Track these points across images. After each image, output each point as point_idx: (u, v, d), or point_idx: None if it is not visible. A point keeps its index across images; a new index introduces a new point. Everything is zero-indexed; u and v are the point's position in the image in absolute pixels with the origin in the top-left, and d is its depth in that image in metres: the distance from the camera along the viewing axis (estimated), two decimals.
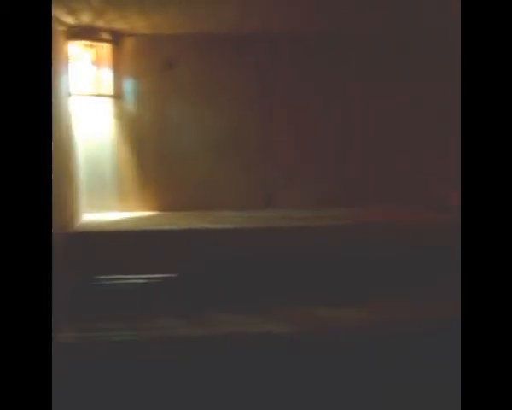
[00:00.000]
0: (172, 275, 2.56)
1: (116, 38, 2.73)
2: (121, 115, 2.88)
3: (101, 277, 2.51)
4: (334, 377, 2.25)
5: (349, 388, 2.23)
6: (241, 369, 2.24)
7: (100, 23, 2.50)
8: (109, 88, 2.75)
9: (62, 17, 2.34)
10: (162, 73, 2.89)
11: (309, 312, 2.46)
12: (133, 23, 2.54)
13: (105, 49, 2.68)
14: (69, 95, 2.62)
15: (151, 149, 2.93)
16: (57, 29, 2.46)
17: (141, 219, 2.80)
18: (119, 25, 2.57)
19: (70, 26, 2.53)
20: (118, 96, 2.83)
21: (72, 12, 2.27)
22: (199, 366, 2.22)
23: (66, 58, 2.58)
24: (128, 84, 2.86)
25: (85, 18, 2.39)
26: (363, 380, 2.24)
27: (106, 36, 2.67)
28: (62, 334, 2.23)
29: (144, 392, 2.17)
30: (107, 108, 2.85)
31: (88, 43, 2.62)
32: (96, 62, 2.67)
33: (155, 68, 2.88)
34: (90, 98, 2.77)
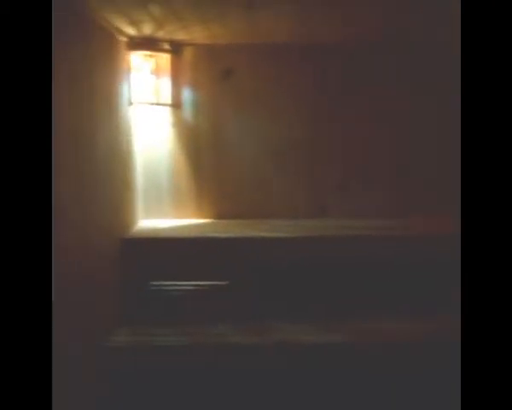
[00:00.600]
0: (225, 282, 2.56)
1: (176, 48, 2.78)
2: (179, 124, 2.93)
3: (155, 282, 2.55)
4: (387, 391, 2.19)
5: (403, 401, 2.16)
6: (292, 378, 2.21)
7: (160, 33, 2.55)
8: (168, 97, 2.80)
9: (124, 28, 2.41)
10: (221, 83, 2.91)
11: (363, 323, 2.41)
12: (193, 33, 2.58)
13: (164, 59, 2.74)
14: (130, 104, 2.69)
15: (208, 157, 2.96)
16: (119, 40, 2.54)
17: (196, 226, 2.82)
18: (179, 35, 2.61)
19: (131, 37, 2.60)
20: (176, 105, 2.88)
21: (133, 23, 2.32)
22: (247, 373, 2.21)
23: (128, 68, 2.66)
24: (187, 94, 2.91)
25: (146, 29, 2.45)
26: (419, 393, 2.16)
27: (166, 46, 2.73)
28: (115, 338, 2.28)
29: (193, 397, 2.18)
30: (166, 116, 2.91)
31: (148, 53, 2.68)
32: (156, 72, 2.73)
33: (214, 78, 2.91)
34: (149, 107, 2.84)
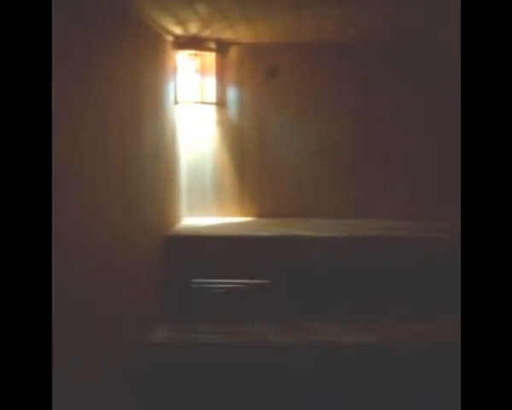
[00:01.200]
0: (266, 281, 2.56)
1: (221, 47, 2.79)
2: (224, 123, 2.94)
3: (197, 280, 2.57)
4: (419, 391, 2.15)
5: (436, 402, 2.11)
6: (328, 378, 2.19)
7: (206, 33, 2.57)
8: (213, 96, 2.81)
9: (171, 27, 2.43)
10: (265, 82, 2.91)
11: (400, 325, 2.39)
12: (238, 32, 2.58)
13: (209, 57, 2.75)
14: (176, 102, 2.71)
15: (251, 156, 2.96)
16: (166, 39, 2.57)
17: (238, 224, 2.83)
18: (225, 34, 2.62)
19: (178, 36, 2.62)
20: (221, 104, 2.89)
21: (180, 22, 2.34)
22: (284, 373, 2.20)
23: (174, 67, 2.68)
24: (231, 93, 2.92)
25: (193, 28, 2.47)
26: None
27: (211, 45, 2.74)
28: (155, 334, 2.31)
29: (228, 395, 2.19)
30: (211, 115, 2.92)
31: (193, 52, 2.70)
32: (201, 71, 2.74)
33: (259, 77, 2.91)
34: (195, 106, 2.86)
